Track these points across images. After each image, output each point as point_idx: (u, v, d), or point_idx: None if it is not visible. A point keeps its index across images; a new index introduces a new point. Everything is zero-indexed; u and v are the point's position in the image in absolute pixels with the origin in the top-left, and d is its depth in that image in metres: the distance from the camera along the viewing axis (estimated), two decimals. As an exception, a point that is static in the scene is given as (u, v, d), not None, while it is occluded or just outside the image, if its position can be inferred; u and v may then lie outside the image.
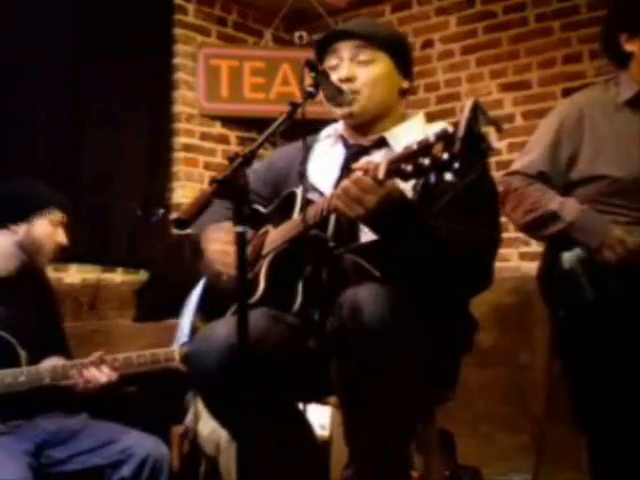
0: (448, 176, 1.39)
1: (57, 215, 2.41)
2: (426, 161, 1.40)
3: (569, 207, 2.31)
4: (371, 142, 1.90)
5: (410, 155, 1.44)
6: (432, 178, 1.42)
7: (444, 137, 1.38)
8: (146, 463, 2.25)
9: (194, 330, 2.06)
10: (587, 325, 2.28)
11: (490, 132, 1.37)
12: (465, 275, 1.69)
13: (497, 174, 1.85)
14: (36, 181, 2.51)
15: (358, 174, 1.54)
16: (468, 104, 1.37)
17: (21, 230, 2.36)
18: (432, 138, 1.41)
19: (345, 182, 1.55)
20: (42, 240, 2.38)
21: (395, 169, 1.47)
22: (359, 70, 1.85)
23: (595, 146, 2.34)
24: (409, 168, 1.43)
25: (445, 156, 1.37)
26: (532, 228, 2.42)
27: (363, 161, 1.64)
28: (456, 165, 1.37)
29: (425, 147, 1.41)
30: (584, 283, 2.28)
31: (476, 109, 1.36)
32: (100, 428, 2.36)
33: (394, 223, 1.57)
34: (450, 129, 1.38)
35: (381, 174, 1.49)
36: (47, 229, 2.39)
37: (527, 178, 2.39)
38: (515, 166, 2.47)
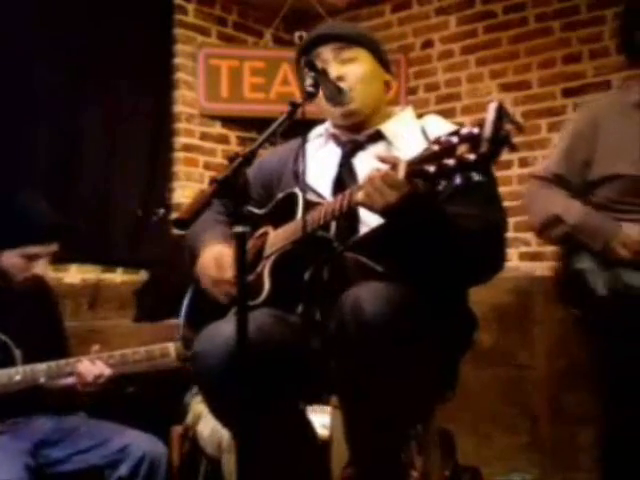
0: (476, 177, 1.38)
1: (34, 249, 2.30)
2: (451, 162, 1.40)
3: (573, 210, 2.34)
4: (366, 137, 1.90)
5: (433, 156, 1.44)
6: (457, 179, 1.41)
7: (469, 138, 1.38)
8: (143, 462, 2.25)
9: (184, 339, 2.06)
10: (602, 323, 2.31)
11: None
12: (479, 257, 1.69)
13: (497, 174, 1.85)
14: (27, 205, 2.36)
15: (385, 168, 1.53)
16: (492, 105, 1.37)
17: None
18: (455, 139, 1.40)
19: (372, 172, 1.55)
20: (8, 271, 2.30)
21: (416, 170, 1.47)
22: (346, 68, 1.86)
23: (612, 147, 2.37)
24: (432, 169, 1.43)
25: (472, 157, 1.37)
26: (541, 231, 2.49)
27: (365, 157, 1.63)
28: (483, 165, 1.37)
29: (448, 148, 1.41)
30: (598, 282, 2.31)
31: (500, 110, 1.37)
32: (97, 427, 2.36)
33: (414, 219, 1.57)
34: (475, 130, 1.38)
35: (400, 175, 1.49)
36: (14, 261, 2.29)
37: (541, 181, 2.45)
38: (535, 169, 2.59)
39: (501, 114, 1.37)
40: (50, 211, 2.38)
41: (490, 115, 1.37)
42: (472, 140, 1.38)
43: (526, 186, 2.54)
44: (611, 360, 2.36)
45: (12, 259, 2.29)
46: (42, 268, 2.33)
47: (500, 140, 1.36)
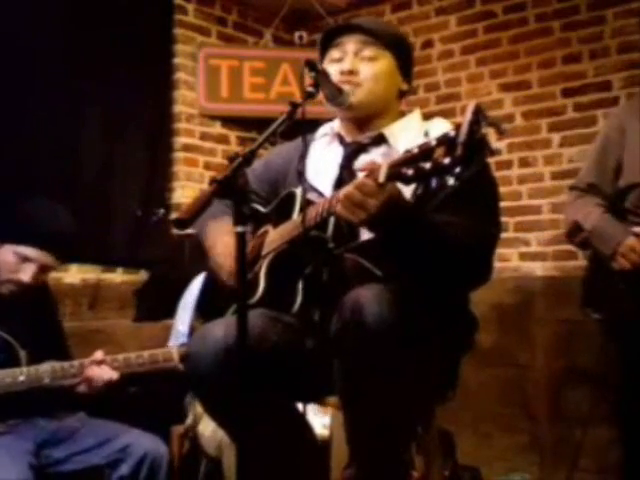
0: (450, 181, 1.38)
1: (27, 251, 2.27)
2: (427, 165, 1.39)
3: (591, 216, 2.44)
4: (369, 139, 1.89)
5: (411, 159, 1.43)
6: (433, 182, 1.41)
7: (445, 141, 1.38)
8: (144, 461, 2.26)
9: (192, 331, 2.07)
10: (623, 332, 2.37)
11: (489, 132, 1.37)
12: (464, 268, 1.69)
13: (497, 174, 1.85)
14: (40, 209, 2.35)
15: (361, 178, 1.54)
16: (470, 107, 1.36)
17: None
18: (433, 142, 1.40)
19: (348, 187, 1.55)
20: None
21: (396, 173, 1.47)
22: (362, 65, 1.85)
23: (633, 154, 2.42)
24: (410, 172, 1.43)
25: (447, 160, 1.36)
26: (569, 238, 2.63)
27: (365, 161, 1.64)
28: (458, 169, 1.36)
29: (426, 151, 1.40)
30: (626, 293, 2.37)
31: (478, 112, 1.35)
32: (98, 427, 2.36)
33: (395, 224, 1.57)
34: (452, 133, 1.38)
35: (381, 178, 1.49)
36: (7, 257, 2.27)
37: (579, 192, 2.58)
38: (573, 182, 2.68)
39: (478, 117, 1.35)
40: (62, 222, 2.35)
41: (466, 118, 1.35)
42: (448, 143, 1.37)
43: (567, 194, 2.69)
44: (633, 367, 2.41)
45: (6, 255, 2.28)
46: (28, 275, 2.28)
47: (475, 144, 1.35)
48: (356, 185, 1.53)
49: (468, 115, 1.35)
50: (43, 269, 2.34)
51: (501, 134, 1.38)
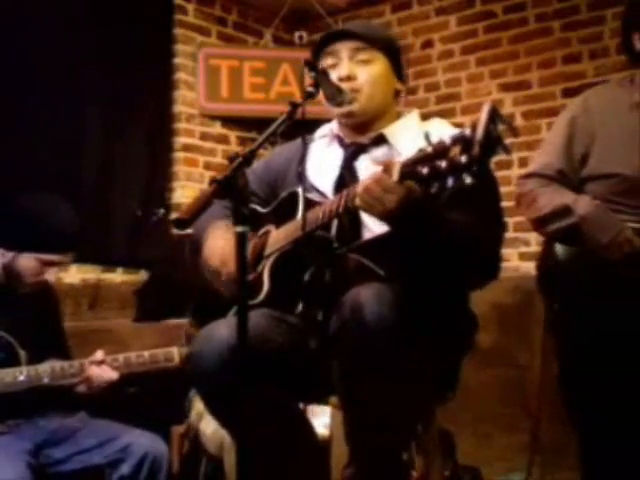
0: (468, 179, 1.38)
1: (51, 256, 2.29)
2: (443, 164, 1.40)
3: (582, 202, 2.32)
4: (370, 140, 1.90)
5: (426, 158, 1.44)
6: (450, 181, 1.41)
7: (462, 140, 1.38)
8: (145, 461, 2.25)
9: (188, 336, 2.07)
10: (582, 318, 2.31)
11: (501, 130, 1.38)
12: (476, 265, 1.70)
13: (497, 174, 1.85)
14: (50, 210, 2.33)
15: (378, 172, 1.54)
16: (485, 108, 1.37)
17: (8, 255, 2.28)
18: (449, 141, 1.40)
19: (367, 181, 1.56)
20: (22, 273, 2.28)
21: (410, 171, 1.47)
22: (359, 69, 1.86)
23: (606, 143, 2.35)
24: (425, 170, 1.43)
25: (464, 159, 1.37)
26: (544, 223, 2.41)
27: (367, 161, 1.64)
28: (475, 168, 1.37)
29: (441, 150, 1.41)
30: (582, 275, 2.31)
31: (493, 112, 1.36)
32: (99, 426, 2.36)
33: (412, 221, 1.57)
34: (467, 132, 1.38)
35: (395, 176, 1.49)
36: (31, 264, 2.28)
37: (543, 179, 2.40)
38: (531, 168, 2.48)
39: (494, 116, 1.36)
40: (73, 219, 2.36)
41: (483, 117, 1.36)
42: (464, 142, 1.38)
43: (523, 183, 2.46)
44: (584, 359, 2.36)
45: (28, 262, 2.28)
46: (53, 275, 2.33)
47: (492, 143, 1.35)
48: (376, 180, 1.53)
49: (484, 115, 1.36)
50: (62, 267, 2.40)
51: (515, 134, 1.40)
